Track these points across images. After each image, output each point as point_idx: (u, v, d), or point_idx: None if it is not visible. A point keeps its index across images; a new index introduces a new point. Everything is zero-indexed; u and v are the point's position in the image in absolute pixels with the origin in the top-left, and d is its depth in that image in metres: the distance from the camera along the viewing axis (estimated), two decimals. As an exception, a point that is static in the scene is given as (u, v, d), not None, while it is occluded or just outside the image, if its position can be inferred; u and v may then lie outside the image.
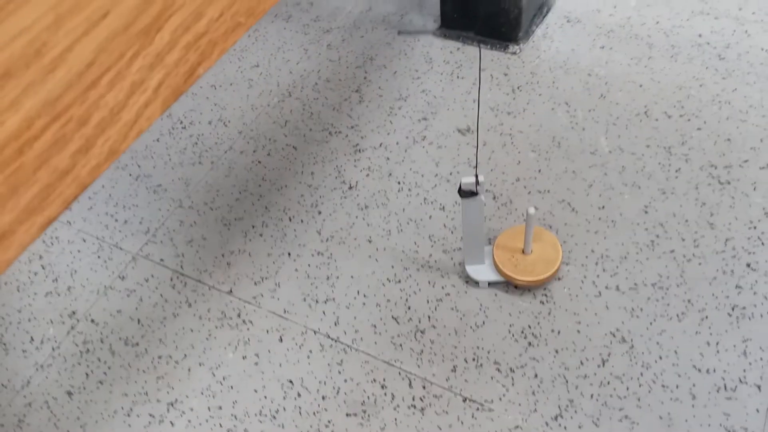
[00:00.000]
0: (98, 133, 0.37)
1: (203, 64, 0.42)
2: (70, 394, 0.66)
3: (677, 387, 0.59)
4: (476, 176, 0.56)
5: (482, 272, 0.66)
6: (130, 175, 0.85)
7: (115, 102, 0.37)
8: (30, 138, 0.33)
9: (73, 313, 0.72)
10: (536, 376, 0.61)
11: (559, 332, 0.63)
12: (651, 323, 0.63)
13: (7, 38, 0.31)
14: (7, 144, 0.32)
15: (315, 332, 0.67)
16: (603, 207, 0.72)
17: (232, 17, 0.43)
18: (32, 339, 0.71)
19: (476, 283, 0.67)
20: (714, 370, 0.59)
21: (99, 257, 0.77)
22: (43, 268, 0.77)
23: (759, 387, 0.58)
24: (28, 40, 0.32)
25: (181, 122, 0.90)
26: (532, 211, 0.60)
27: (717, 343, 0.61)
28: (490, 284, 0.67)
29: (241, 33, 0.44)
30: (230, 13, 0.43)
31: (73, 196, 0.36)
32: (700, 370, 0.60)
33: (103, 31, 0.35)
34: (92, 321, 0.71)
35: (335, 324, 0.67)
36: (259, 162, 0.84)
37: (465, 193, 0.57)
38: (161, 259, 0.75)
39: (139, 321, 0.70)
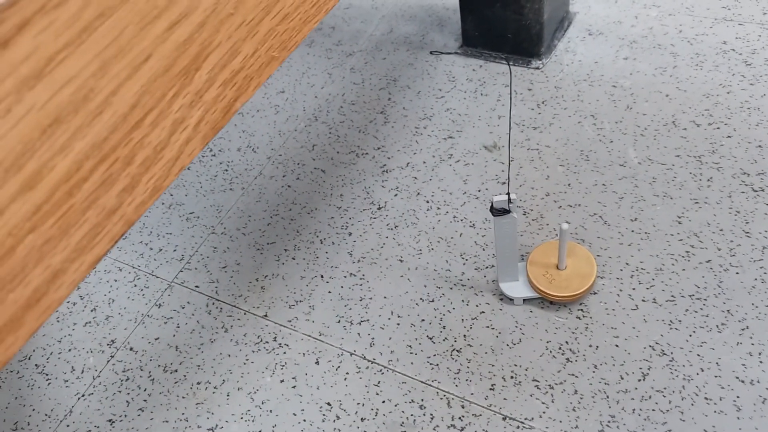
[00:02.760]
0: (143, 171, 0.38)
1: (240, 98, 0.43)
2: (111, 422, 0.67)
3: (721, 399, 0.58)
4: (508, 194, 0.57)
5: (517, 289, 0.66)
6: (163, 203, 0.86)
7: (158, 141, 0.38)
8: (79, 180, 0.34)
9: (112, 341, 0.73)
10: (576, 392, 0.61)
11: (597, 347, 0.63)
12: (690, 335, 0.62)
13: (57, 86, 0.32)
14: (58, 187, 0.34)
15: (351, 354, 0.67)
16: (635, 219, 0.72)
17: (266, 53, 0.44)
18: (73, 369, 0.72)
19: (511, 301, 0.67)
20: (758, 381, 0.59)
21: (135, 286, 0.78)
22: (81, 298, 0.78)
23: (805, 398, 0.57)
24: (75, 87, 0.33)
25: (211, 150, 0.92)
26: (565, 226, 0.60)
27: (759, 353, 0.60)
28: (525, 301, 0.67)
29: (275, 66, 0.46)
30: (264, 48, 0.44)
31: (120, 234, 0.38)
32: (743, 381, 0.59)
33: (146, 73, 0.36)
34: (131, 349, 0.72)
35: (370, 345, 0.67)
36: (289, 186, 0.85)
37: (497, 212, 0.57)
38: (196, 286, 0.76)
39: (176, 348, 0.71)
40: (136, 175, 0.37)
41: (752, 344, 0.61)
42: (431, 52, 0.87)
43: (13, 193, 0.31)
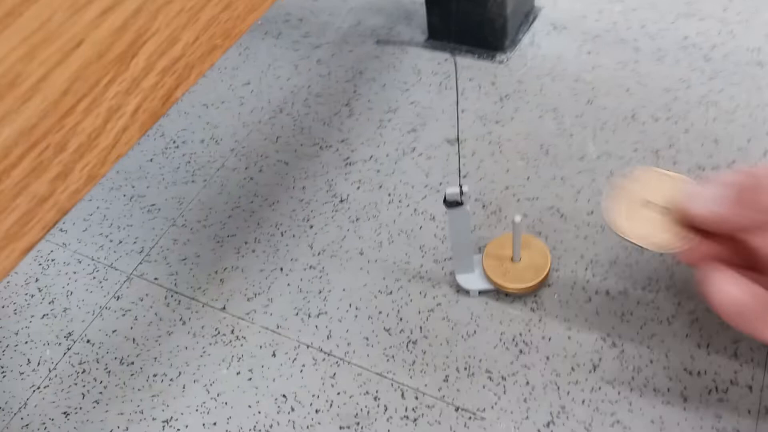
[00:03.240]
0: (76, 159, 0.37)
1: (180, 87, 0.43)
2: (66, 414, 0.66)
3: (669, 390, 0.59)
4: (460, 186, 0.57)
5: (472, 281, 0.66)
6: (125, 195, 0.86)
7: (92, 128, 0.38)
8: (8, 166, 0.34)
9: (69, 334, 0.73)
10: (528, 383, 0.61)
11: (550, 339, 0.64)
12: (641, 327, 0.63)
13: (-20, 71, 0.32)
14: (-16, 173, 0.33)
15: (308, 346, 0.67)
16: (592, 212, 0.73)
17: (208, 40, 0.44)
18: (29, 361, 0.71)
19: (467, 292, 0.68)
20: (705, 373, 0.59)
21: (94, 278, 0.77)
22: (39, 290, 0.77)
23: (750, 388, 0.58)
24: (1, 72, 0.33)
25: (174, 142, 0.91)
26: (518, 219, 0.61)
27: (708, 345, 0.61)
28: (481, 293, 0.67)
29: (218, 55, 0.45)
30: (206, 36, 0.44)
31: (53, 222, 0.37)
32: (691, 373, 0.60)
33: (77, 59, 0.36)
34: (88, 341, 0.72)
35: (328, 337, 0.68)
36: (251, 178, 0.85)
37: (450, 204, 0.58)
38: (155, 278, 0.76)
39: (134, 340, 0.71)
40: (69, 162, 0.37)
41: (701, 336, 0.62)
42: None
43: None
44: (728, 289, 0.44)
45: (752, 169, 0.43)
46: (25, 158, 0.35)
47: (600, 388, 0.60)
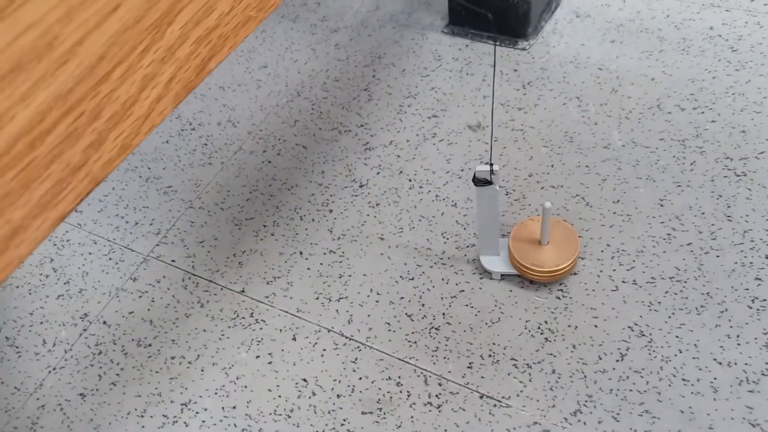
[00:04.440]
0: (110, 127, 0.36)
1: (214, 58, 0.42)
2: (83, 396, 0.66)
3: (698, 380, 0.58)
4: (491, 164, 0.56)
5: (497, 264, 0.65)
6: (140, 176, 0.85)
7: (127, 96, 0.37)
8: (42, 132, 0.33)
9: (85, 315, 0.72)
10: (554, 371, 0.60)
11: (576, 327, 0.63)
12: (670, 317, 0.62)
13: (19, 31, 0.31)
14: (19, 138, 0.32)
15: (328, 330, 0.66)
16: (618, 201, 0.72)
17: (243, 11, 0.43)
18: (44, 342, 0.70)
19: (490, 278, 0.67)
20: (735, 363, 0.58)
21: (110, 259, 0.76)
22: (55, 270, 0.77)
23: (781, 380, 0.57)
24: (39, 33, 0.31)
25: (191, 124, 0.90)
26: (548, 205, 0.60)
27: (737, 336, 0.60)
28: (504, 276, 0.66)
29: (252, 27, 0.44)
30: (241, 7, 0.42)
31: (86, 191, 0.36)
32: (721, 363, 0.59)
33: (114, 24, 0.35)
34: (104, 323, 0.71)
35: (349, 322, 0.67)
36: (269, 162, 0.83)
37: (480, 182, 0.57)
38: (173, 260, 0.75)
39: (151, 322, 0.70)
40: (103, 131, 0.36)
41: (731, 327, 0.61)
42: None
43: (-32, 139, 0.30)
44: None
45: None
46: (59, 124, 0.34)
47: (628, 378, 0.59)
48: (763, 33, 0.86)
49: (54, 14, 0.32)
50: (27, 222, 0.34)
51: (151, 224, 0.79)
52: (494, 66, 0.85)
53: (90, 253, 0.78)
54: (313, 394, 0.62)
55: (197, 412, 0.63)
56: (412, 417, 0.59)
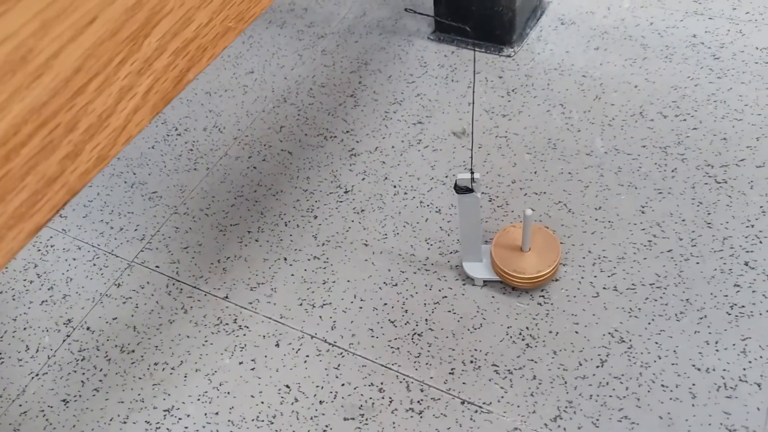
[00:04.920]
0: (87, 139, 0.36)
1: (193, 69, 0.42)
2: (65, 402, 0.65)
3: (677, 386, 0.58)
4: (471, 172, 0.56)
5: (479, 270, 0.66)
6: (126, 182, 0.85)
7: (103, 108, 0.37)
8: (17, 144, 0.33)
9: (69, 321, 0.72)
10: (534, 377, 0.61)
11: (557, 333, 0.63)
12: (649, 323, 0.63)
13: (-8, 44, 0.31)
14: (-6, 151, 0.32)
15: (312, 337, 0.67)
16: (599, 208, 0.72)
17: (221, 23, 0.43)
18: (27, 347, 0.70)
19: (473, 285, 0.67)
20: (714, 369, 0.59)
21: (94, 265, 0.76)
22: (39, 276, 0.76)
23: (759, 385, 0.58)
24: (13, 47, 0.32)
25: (176, 129, 0.90)
26: (529, 212, 0.60)
27: (716, 342, 0.61)
28: (486, 283, 0.67)
29: (231, 38, 0.44)
30: (219, 18, 0.43)
31: (62, 202, 0.36)
32: (699, 369, 0.59)
33: (90, 37, 0.35)
34: (88, 329, 0.71)
35: (332, 328, 0.67)
36: (255, 168, 0.84)
37: (461, 189, 0.57)
38: (157, 266, 0.75)
39: (134, 328, 0.70)
40: (79, 142, 0.36)
41: (709, 333, 0.61)
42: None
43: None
44: None
45: None
46: (34, 137, 0.34)
47: (608, 384, 0.59)
48: (745, 41, 0.87)
49: (29, 28, 0.32)
50: (2, 233, 0.34)
51: (135, 230, 0.79)
52: (474, 73, 0.86)
53: (74, 259, 0.78)
54: (296, 400, 0.62)
55: (180, 419, 0.63)
56: (394, 423, 0.60)
